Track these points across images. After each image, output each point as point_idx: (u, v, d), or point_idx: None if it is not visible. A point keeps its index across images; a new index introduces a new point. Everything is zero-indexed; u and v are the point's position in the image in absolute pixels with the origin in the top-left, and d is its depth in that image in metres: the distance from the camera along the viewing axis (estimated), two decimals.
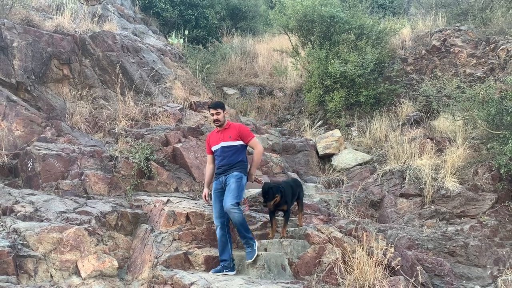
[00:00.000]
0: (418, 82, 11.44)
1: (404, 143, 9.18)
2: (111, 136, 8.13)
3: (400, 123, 10.54)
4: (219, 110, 5.38)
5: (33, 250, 4.92)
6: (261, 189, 5.67)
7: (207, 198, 5.53)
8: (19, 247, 4.84)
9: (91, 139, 7.86)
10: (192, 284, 4.52)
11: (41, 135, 7.48)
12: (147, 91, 9.55)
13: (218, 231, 5.17)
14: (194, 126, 8.67)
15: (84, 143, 7.58)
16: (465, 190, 7.89)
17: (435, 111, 10.42)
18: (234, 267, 5.12)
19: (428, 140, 9.31)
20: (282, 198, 5.58)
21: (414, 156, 8.81)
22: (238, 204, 5.13)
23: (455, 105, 9.32)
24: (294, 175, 9.37)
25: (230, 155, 5.34)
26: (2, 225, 5.26)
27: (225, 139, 5.38)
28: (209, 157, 5.64)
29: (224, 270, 4.99)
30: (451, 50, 11.54)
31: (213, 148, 5.48)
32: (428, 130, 10.01)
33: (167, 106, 9.36)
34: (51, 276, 4.83)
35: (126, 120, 8.49)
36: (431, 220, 7.70)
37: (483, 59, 11.02)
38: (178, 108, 9.43)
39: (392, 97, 11.50)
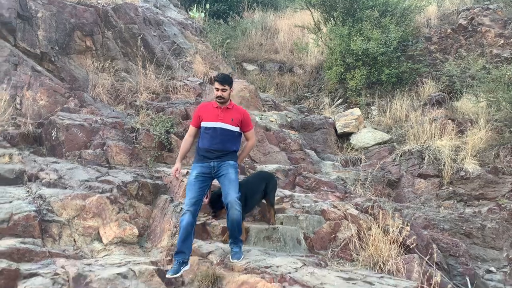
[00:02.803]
0: (442, 61, 11.21)
1: (425, 124, 9.08)
2: (132, 108, 8.25)
3: (422, 103, 10.40)
4: (226, 87, 4.66)
5: (57, 215, 5.10)
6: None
7: (177, 175, 4.81)
8: (44, 212, 5.02)
9: (113, 111, 7.99)
10: (209, 253, 4.64)
11: (65, 106, 7.63)
12: (168, 65, 9.60)
13: (186, 218, 4.35)
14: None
15: (106, 114, 7.71)
16: (485, 173, 7.81)
17: (458, 91, 10.24)
18: (188, 262, 4.42)
19: (449, 121, 9.19)
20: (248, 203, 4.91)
21: (434, 137, 8.72)
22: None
23: (479, 86, 9.15)
24: (312, 153, 9.40)
25: (227, 140, 4.67)
26: (28, 191, 5.44)
27: (225, 120, 4.67)
28: (192, 129, 4.82)
29: (181, 268, 4.29)
30: (478, 29, 11.22)
31: (206, 124, 4.67)
32: (450, 111, 9.86)
33: (187, 80, 9.41)
34: (75, 241, 5.02)
35: (147, 93, 8.58)
36: (449, 201, 7.67)
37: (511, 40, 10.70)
38: (198, 82, 9.47)
39: (414, 76, 11.31)
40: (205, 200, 4.79)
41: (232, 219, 4.41)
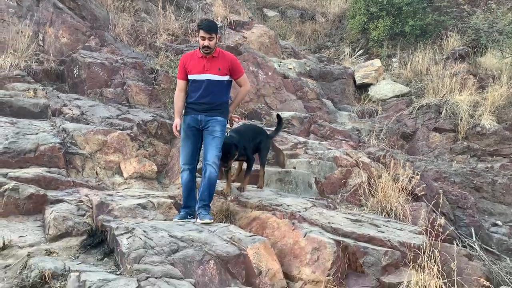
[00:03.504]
0: (469, 14, 10.85)
1: (445, 78, 8.96)
2: (152, 49, 8.30)
3: (444, 57, 10.18)
4: (213, 35, 4.24)
5: (80, 149, 5.33)
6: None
7: (178, 129, 4.35)
8: (68, 145, 5.26)
9: (133, 51, 8.05)
10: (221, 190, 4.83)
11: (86, 44, 7.71)
12: (187, 7, 9.51)
13: (185, 175, 4.28)
14: (232, 45, 8.68)
15: (126, 54, 7.78)
16: (502, 129, 7.78)
17: (483, 46, 9.98)
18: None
19: (471, 76, 9.03)
20: (240, 152, 4.62)
21: (454, 92, 8.63)
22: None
23: (505, 42, 8.89)
24: (329, 103, 9.41)
25: (215, 92, 4.33)
26: (52, 125, 5.67)
27: (212, 71, 4.30)
28: (181, 83, 4.41)
29: (188, 217, 4.26)
30: None
31: (192, 77, 4.34)
32: (473, 66, 9.66)
33: None
34: (97, 174, 5.28)
35: (167, 35, 8.58)
36: (462, 155, 7.72)
37: None
38: (218, 26, 9.39)
39: (439, 29, 11.00)
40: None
41: (209, 178, 4.22)
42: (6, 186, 4.20)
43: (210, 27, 4.27)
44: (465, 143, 7.82)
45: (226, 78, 4.40)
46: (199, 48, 4.36)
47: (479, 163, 7.60)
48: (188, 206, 4.34)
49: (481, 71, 9.44)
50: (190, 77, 4.36)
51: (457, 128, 7.97)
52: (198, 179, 4.52)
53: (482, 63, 9.71)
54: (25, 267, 3.32)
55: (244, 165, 5.00)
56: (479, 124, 7.85)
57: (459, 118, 7.97)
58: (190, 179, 4.31)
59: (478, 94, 8.44)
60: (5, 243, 3.59)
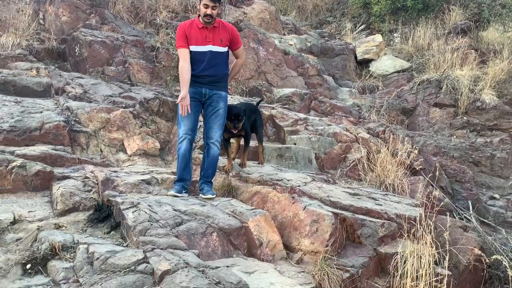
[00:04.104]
0: None
1: (447, 53, 8.94)
2: (152, 27, 8.30)
3: (446, 31, 10.13)
4: (217, 4, 4.12)
5: (84, 126, 5.43)
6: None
7: (183, 103, 4.12)
8: (72, 123, 5.35)
9: (133, 29, 8.06)
10: (224, 166, 4.94)
11: (86, 22, 7.72)
12: None
13: (184, 145, 4.21)
14: (233, 22, 8.65)
15: (126, 32, 7.80)
16: (502, 104, 7.82)
17: (485, 20, 9.91)
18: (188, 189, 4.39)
19: (472, 50, 9.02)
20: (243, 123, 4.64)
21: (455, 66, 8.64)
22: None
23: (508, 15, 8.83)
24: (330, 79, 9.44)
25: (218, 63, 4.25)
26: (56, 103, 5.75)
27: (215, 42, 4.19)
28: (185, 52, 4.18)
29: (183, 191, 4.26)
30: None
31: (195, 49, 4.18)
32: (475, 40, 9.62)
33: None
34: (101, 151, 5.39)
35: (166, 12, 8.56)
36: (462, 130, 7.79)
37: None
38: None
39: (441, 3, 10.90)
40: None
41: (212, 156, 4.27)
42: (14, 164, 4.32)
43: None
44: (464, 118, 7.88)
45: (226, 49, 4.31)
46: (198, 16, 4.23)
47: (478, 137, 7.68)
48: (183, 179, 4.30)
49: (482, 45, 9.42)
50: (192, 48, 4.19)
51: (457, 103, 8.02)
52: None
53: (484, 37, 9.67)
54: (36, 240, 3.46)
55: (242, 142, 5.06)
56: (479, 99, 7.89)
57: (460, 93, 8.01)
58: (188, 149, 4.24)
59: (479, 69, 8.45)
60: (16, 218, 3.73)
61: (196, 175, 4.62)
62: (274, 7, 10.88)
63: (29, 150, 4.69)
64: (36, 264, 3.23)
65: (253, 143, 5.21)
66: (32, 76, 6.17)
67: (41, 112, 5.31)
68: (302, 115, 6.77)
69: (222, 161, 4.96)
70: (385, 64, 9.96)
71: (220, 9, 4.09)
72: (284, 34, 10.22)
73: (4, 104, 5.36)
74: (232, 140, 5.01)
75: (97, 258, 3.08)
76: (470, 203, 6.07)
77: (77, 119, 5.45)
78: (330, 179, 5.07)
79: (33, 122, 5.04)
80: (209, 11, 4.10)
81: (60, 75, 6.46)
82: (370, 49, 10.26)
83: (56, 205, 4.04)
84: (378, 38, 10.51)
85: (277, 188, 4.33)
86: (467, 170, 6.74)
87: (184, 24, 4.31)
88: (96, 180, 4.42)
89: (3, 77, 5.93)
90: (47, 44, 7.22)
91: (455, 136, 7.67)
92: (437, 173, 5.33)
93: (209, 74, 4.23)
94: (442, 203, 4.04)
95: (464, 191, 6.54)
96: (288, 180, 4.50)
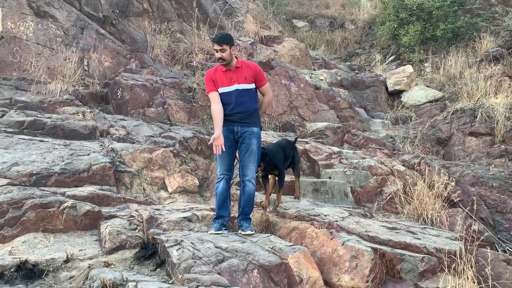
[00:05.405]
0: (502, 15, 10.70)
1: (479, 81, 8.91)
2: (188, 68, 8.71)
3: (478, 59, 10.11)
4: (224, 47, 4.28)
5: (128, 167, 5.73)
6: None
7: (216, 143, 4.24)
8: (117, 163, 5.66)
9: (171, 71, 8.50)
10: (262, 202, 5.07)
11: (127, 67, 8.21)
12: (220, 25, 9.89)
13: (222, 184, 4.41)
14: (264, 60, 8.97)
15: (164, 74, 8.23)
16: None
17: None
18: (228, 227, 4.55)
19: (506, 78, 8.95)
20: (269, 163, 4.74)
21: (489, 95, 8.58)
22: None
23: None
24: (361, 111, 9.53)
25: (246, 100, 4.43)
26: (101, 145, 6.11)
27: (240, 81, 4.40)
28: (215, 95, 4.41)
29: (223, 228, 4.41)
30: None
31: (222, 90, 4.40)
32: (508, 67, 9.55)
33: (239, 40, 9.69)
34: (144, 189, 5.65)
35: (202, 54, 8.98)
36: (500, 159, 7.66)
37: None
38: (249, 42, 9.73)
39: (471, 31, 10.91)
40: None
41: (247, 193, 4.39)
42: (66, 204, 4.61)
43: (219, 39, 4.32)
44: (502, 146, 7.76)
45: (253, 86, 4.49)
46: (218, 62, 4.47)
47: None
48: (221, 216, 4.46)
49: None
50: (220, 90, 4.41)
51: (493, 132, 7.92)
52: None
53: None
54: (87, 278, 3.67)
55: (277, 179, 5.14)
56: None
57: (495, 121, 7.92)
58: (226, 188, 4.44)
59: None
60: (68, 257, 3.96)
61: (234, 211, 4.78)
62: (304, 43, 11.20)
63: (78, 191, 4.99)
64: None
65: (288, 177, 5.34)
66: (78, 120, 6.58)
67: (88, 154, 5.65)
68: (335, 149, 6.87)
69: (259, 196, 5.10)
70: (417, 94, 9.98)
71: (233, 50, 4.40)
72: (314, 69, 10.47)
73: (55, 148, 5.74)
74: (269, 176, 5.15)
75: None
76: None
77: (121, 160, 5.76)
78: (367, 213, 5.11)
79: (82, 164, 5.37)
80: (219, 54, 4.32)
81: (104, 118, 6.86)
82: (401, 80, 10.33)
83: (105, 243, 4.26)
84: (409, 69, 10.58)
85: (314, 224, 4.41)
86: (508, 200, 6.59)
87: (210, 71, 4.57)
88: (141, 219, 4.64)
89: (52, 122, 6.36)
90: (91, 89, 7.69)
91: (493, 165, 7.54)
92: (475, 204, 5.27)
93: (239, 111, 4.42)
94: (482, 237, 4.00)
95: (506, 221, 6.38)
96: (325, 215, 4.58)
